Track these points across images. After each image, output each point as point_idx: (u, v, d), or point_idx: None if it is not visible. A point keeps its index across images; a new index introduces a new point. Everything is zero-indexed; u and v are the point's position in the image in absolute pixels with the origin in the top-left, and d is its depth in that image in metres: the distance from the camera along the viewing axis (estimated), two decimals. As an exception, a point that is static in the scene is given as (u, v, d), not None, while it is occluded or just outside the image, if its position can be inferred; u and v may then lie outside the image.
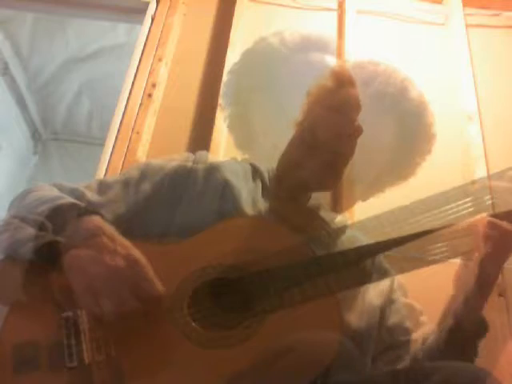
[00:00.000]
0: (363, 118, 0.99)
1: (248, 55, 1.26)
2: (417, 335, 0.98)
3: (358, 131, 1.00)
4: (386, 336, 0.97)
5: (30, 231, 0.84)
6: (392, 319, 0.99)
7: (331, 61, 1.20)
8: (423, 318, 1.02)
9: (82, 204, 0.91)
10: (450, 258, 0.86)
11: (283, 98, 1.16)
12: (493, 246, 0.85)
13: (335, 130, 1.00)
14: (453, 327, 0.89)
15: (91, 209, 0.89)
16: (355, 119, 0.99)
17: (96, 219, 0.84)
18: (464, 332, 0.89)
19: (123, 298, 0.74)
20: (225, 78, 1.54)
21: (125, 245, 0.81)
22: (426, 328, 0.99)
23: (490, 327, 0.89)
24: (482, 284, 0.87)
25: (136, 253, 0.80)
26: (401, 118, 1.03)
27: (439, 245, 0.86)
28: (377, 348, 0.95)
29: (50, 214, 0.86)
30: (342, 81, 1.02)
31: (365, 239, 0.99)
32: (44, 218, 0.85)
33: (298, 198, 1.05)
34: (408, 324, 1.00)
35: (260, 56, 1.23)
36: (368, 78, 1.02)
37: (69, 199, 0.91)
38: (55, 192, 0.96)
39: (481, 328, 0.89)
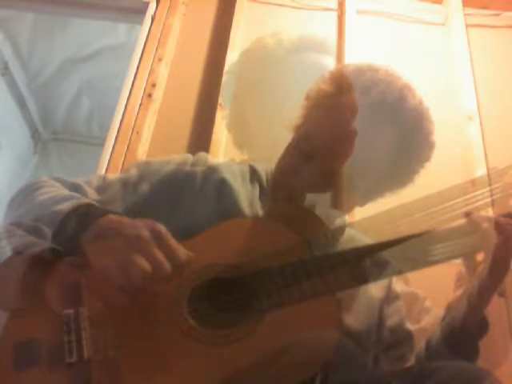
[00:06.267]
0: (361, 127, 0.97)
1: (245, 55, 1.27)
2: (424, 322, 0.98)
3: (353, 134, 0.98)
4: (387, 335, 0.97)
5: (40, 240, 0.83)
6: (392, 319, 0.99)
7: (327, 61, 1.19)
8: (428, 303, 1.01)
9: (95, 203, 0.90)
10: (450, 258, 0.86)
11: (280, 97, 1.16)
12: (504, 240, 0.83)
13: (331, 132, 0.99)
14: (456, 330, 0.89)
15: (105, 209, 0.87)
16: (351, 121, 0.98)
17: (111, 216, 0.83)
18: (467, 333, 0.88)
19: (154, 258, 0.74)
20: (224, 77, 1.55)
21: (145, 220, 0.80)
22: (432, 314, 0.99)
23: (490, 326, 0.89)
24: (494, 274, 0.84)
25: (159, 225, 0.79)
26: (399, 128, 1.01)
27: (439, 245, 0.85)
28: (378, 347, 0.95)
29: (61, 222, 0.84)
30: (341, 86, 1.01)
31: (365, 239, 0.99)
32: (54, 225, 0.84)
33: (293, 200, 1.04)
34: (408, 326, 1.00)
35: (257, 56, 1.24)
36: (366, 87, 0.99)
37: (84, 199, 0.90)
38: (63, 190, 0.95)
39: (483, 327, 0.89)
